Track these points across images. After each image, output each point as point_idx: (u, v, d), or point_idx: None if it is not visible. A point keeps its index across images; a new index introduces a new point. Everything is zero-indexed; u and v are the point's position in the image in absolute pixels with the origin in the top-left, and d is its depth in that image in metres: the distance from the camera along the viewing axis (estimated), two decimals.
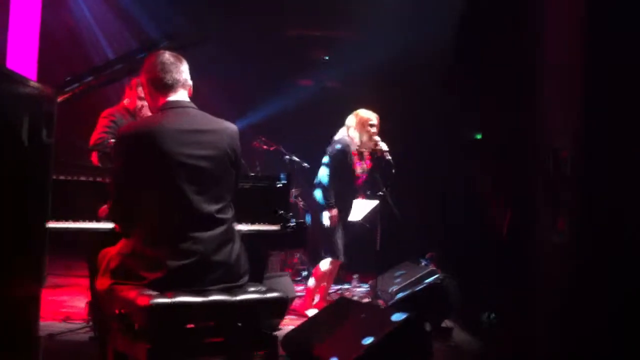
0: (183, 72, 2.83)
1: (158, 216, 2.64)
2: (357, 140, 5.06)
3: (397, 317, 3.29)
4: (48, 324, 4.23)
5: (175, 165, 2.62)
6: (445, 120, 6.66)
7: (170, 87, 2.78)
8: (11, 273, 2.12)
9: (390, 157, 4.89)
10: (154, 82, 2.79)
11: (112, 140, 4.23)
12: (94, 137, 4.45)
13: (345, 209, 5.15)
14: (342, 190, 5.06)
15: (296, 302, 5.15)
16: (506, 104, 4.38)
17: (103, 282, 2.74)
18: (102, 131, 4.42)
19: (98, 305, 3.11)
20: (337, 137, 5.14)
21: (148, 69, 2.82)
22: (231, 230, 2.78)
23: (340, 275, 6.12)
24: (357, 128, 5.06)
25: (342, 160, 5.00)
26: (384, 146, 4.93)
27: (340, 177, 5.02)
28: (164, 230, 2.63)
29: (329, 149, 5.09)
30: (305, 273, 6.65)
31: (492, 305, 4.46)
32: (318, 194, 5.05)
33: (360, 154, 5.12)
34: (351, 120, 5.11)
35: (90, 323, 4.09)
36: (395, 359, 3.23)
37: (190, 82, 2.86)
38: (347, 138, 5.06)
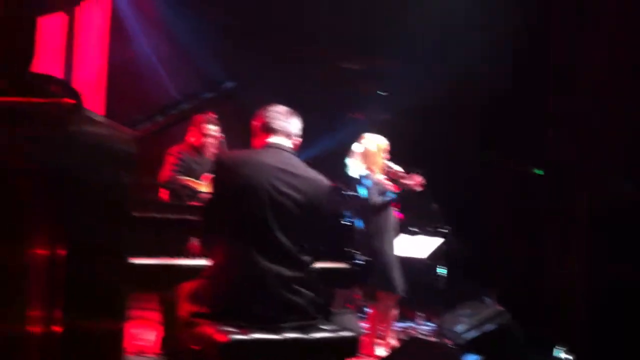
0: (292, 124, 2.99)
1: (240, 246, 2.71)
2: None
3: (469, 359, 3.22)
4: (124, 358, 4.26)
5: (264, 197, 2.71)
6: (499, 151, 6.58)
7: (275, 131, 2.93)
8: (98, 310, 2.16)
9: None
10: (262, 126, 2.96)
11: (181, 177, 4.34)
12: (163, 175, 4.56)
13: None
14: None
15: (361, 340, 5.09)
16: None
17: (183, 308, 2.80)
18: (171, 169, 4.54)
19: (174, 340, 3.14)
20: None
21: (260, 115, 2.99)
22: (309, 272, 2.82)
23: (404, 312, 6.02)
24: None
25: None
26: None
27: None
28: (245, 259, 2.69)
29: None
30: (367, 310, 6.57)
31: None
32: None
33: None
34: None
35: (163, 357, 4.12)
36: None
37: (296, 138, 3.00)
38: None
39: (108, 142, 2.21)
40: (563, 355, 4.25)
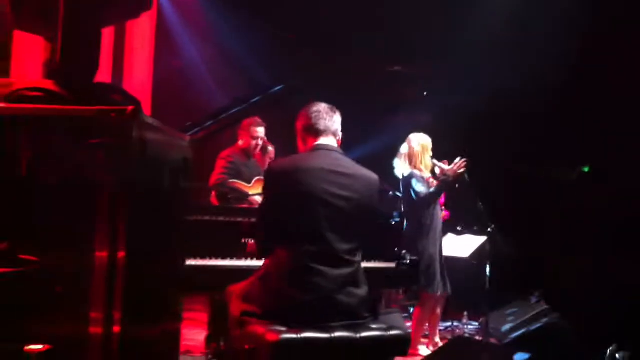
0: (335, 122, 3.02)
1: (292, 246, 2.76)
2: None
3: (520, 357, 3.22)
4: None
5: (316, 200, 2.76)
6: (545, 151, 6.54)
7: (321, 132, 2.96)
8: (155, 311, 2.24)
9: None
10: (307, 128, 2.99)
11: (232, 181, 4.46)
12: (213, 178, 4.71)
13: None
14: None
15: None
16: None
17: (235, 307, 2.87)
18: (221, 172, 4.68)
19: (222, 339, 3.23)
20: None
21: (302, 116, 3.03)
22: (358, 273, 2.86)
23: (451, 312, 6.03)
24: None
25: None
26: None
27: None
28: (295, 260, 2.74)
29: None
30: (412, 310, 6.59)
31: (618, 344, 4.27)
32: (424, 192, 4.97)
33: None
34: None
35: (210, 356, 4.22)
36: None
37: (340, 133, 3.04)
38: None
39: (166, 147, 2.29)
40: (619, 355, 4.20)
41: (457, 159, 4.90)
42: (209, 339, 4.21)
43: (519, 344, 4.20)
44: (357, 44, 7.38)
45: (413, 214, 4.96)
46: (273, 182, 2.89)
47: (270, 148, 5.05)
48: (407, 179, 5.03)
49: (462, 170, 4.85)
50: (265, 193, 2.98)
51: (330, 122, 2.99)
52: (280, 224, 2.82)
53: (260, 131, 4.81)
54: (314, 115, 2.98)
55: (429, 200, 4.93)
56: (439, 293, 4.97)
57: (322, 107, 3.02)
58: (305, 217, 2.77)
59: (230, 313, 2.94)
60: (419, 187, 4.94)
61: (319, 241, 2.75)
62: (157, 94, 6.26)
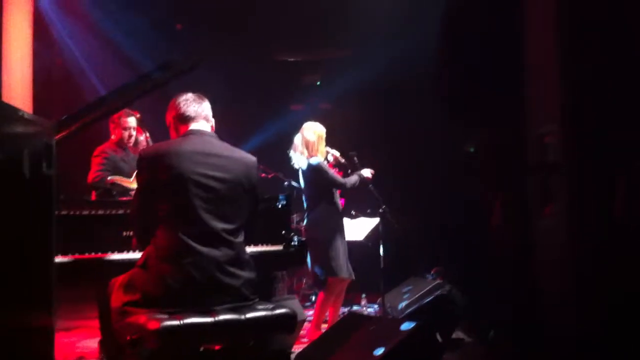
0: (205, 107, 3.01)
1: (170, 231, 2.73)
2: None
3: (406, 326, 3.30)
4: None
5: (188, 181, 2.73)
6: (437, 130, 6.72)
7: (192, 118, 2.96)
8: (21, 304, 2.13)
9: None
10: (178, 117, 2.98)
11: (111, 177, 4.29)
12: (91, 176, 4.53)
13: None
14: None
15: (306, 326, 5.14)
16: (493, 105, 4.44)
17: (116, 298, 2.80)
18: (97, 169, 4.51)
19: (111, 334, 3.12)
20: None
21: (172, 107, 3.01)
22: (240, 253, 2.84)
23: (349, 297, 6.10)
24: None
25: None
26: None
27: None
28: (174, 245, 2.70)
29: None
30: (314, 298, 6.63)
31: (495, 319, 4.46)
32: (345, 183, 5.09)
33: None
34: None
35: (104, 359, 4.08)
36: None
37: (212, 119, 3.03)
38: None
39: (25, 132, 2.18)
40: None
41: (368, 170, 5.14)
42: (102, 343, 4.08)
43: (411, 318, 4.30)
44: (251, 30, 7.33)
45: (320, 205, 5.02)
46: (145, 168, 2.84)
47: (141, 138, 4.76)
48: (317, 171, 5.02)
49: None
50: (138, 180, 2.92)
51: (200, 108, 2.98)
52: (155, 210, 2.78)
53: (131, 121, 4.63)
54: (182, 103, 2.98)
55: (349, 189, 5.03)
56: (346, 277, 5.02)
57: (189, 95, 3.02)
58: (178, 199, 2.74)
59: (111, 306, 2.86)
60: (338, 178, 5.03)
61: (196, 222, 2.72)
62: (40, 90, 6.00)
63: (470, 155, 6.24)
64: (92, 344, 4.86)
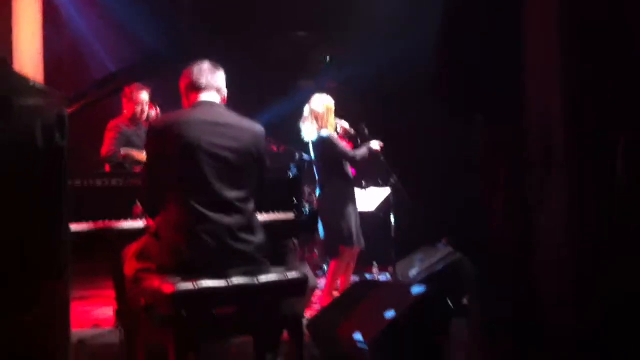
0: (218, 78, 3.02)
1: (181, 200, 2.76)
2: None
3: (416, 290, 3.35)
4: (78, 332, 4.30)
5: (200, 151, 2.75)
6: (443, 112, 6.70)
7: (203, 88, 2.97)
8: (36, 272, 2.18)
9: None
10: (190, 85, 2.99)
11: (122, 151, 4.36)
12: (104, 150, 4.60)
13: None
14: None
15: (318, 295, 5.21)
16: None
17: (129, 267, 2.86)
18: (110, 143, 4.57)
19: (125, 299, 3.20)
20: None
21: (186, 74, 3.02)
22: (252, 220, 2.88)
23: (360, 267, 6.16)
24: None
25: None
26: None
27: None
28: (186, 214, 2.74)
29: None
30: (325, 267, 6.70)
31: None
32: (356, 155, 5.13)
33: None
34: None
35: (120, 328, 4.17)
36: (417, 331, 3.29)
37: (224, 90, 3.04)
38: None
39: (38, 102, 2.22)
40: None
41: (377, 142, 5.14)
42: (117, 312, 4.17)
43: (422, 284, 4.35)
44: (260, 7, 7.32)
45: (332, 176, 5.06)
46: (155, 138, 2.87)
47: (152, 113, 4.82)
48: (327, 143, 5.05)
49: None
50: (148, 151, 2.95)
51: (213, 79, 2.99)
52: (166, 180, 2.81)
53: (143, 96, 4.69)
54: (196, 72, 2.99)
55: (359, 161, 5.07)
56: (357, 246, 5.07)
57: (205, 64, 3.02)
58: (189, 168, 2.77)
59: (125, 274, 2.92)
60: (348, 151, 5.05)
61: (207, 191, 2.76)
62: (50, 72, 6.05)
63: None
64: (108, 312, 4.96)
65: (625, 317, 2.52)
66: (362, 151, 5.12)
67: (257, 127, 2.99)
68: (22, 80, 2.27)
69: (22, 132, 2.13)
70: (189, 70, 3.02)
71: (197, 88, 2.97)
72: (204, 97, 2.96)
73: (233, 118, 2.95)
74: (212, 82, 2.98)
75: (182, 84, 3.04)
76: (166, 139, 2.81)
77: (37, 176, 2.23)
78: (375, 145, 5.18)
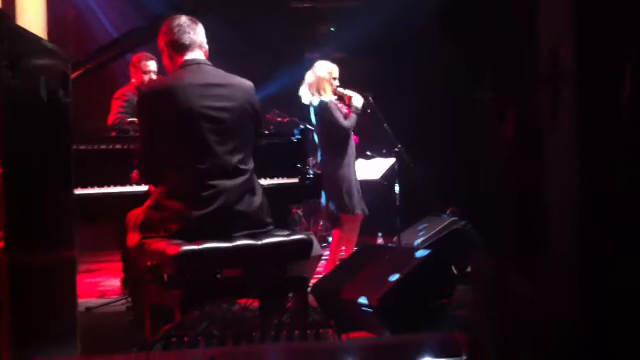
0: (199, 34, 2.94)
1: (182, 167, 2.74)
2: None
3: (421, 253, 3.36)
4: (85, 301, 4.33)
5: (198, 116, 2.72)
6: (450, 75, 6.64)
7: (187, 47, 2.89)
8: (41, 235, 2.18)
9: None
10: (172, 44, 2.90)
11: (129, 120, 4.36)
12: (111, 118, 4.61)
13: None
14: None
15: (323, 265, 5.22)
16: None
17: (133, 238, 2.84)
18: (118, 112, 4.59)
19: (130, 265, 3.21)
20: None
21: (166, 32, 2.93)
22: (253, 180, 2.86)
23: (366, 237, 6.15)
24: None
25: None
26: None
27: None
28: (188, 180, 2.72)
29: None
30: (330, 239, 6.70)
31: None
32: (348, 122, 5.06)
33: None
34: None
35: (127, 297, 4.19)
36: (421, 294, 3.29)
37: (206, 45, 2.97)
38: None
39: (43, 60, 2.21)
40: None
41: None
42: (125, 281, 4.20)
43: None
44: None
45: (332, 142, 5.03)
46: (147, 106, 2.82)
47: None
48: (324, 110, 5.01)
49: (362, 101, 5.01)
50: (141, 119, 2.90)
51: (195, 35, 2.92)
52: (165, 149, 2.77)
53: (151, 65, 4.67)
54: (177, 29, 2.89)
55: (350, 131, 5.01)
56: (358, 213, 5.05)
57: (184, 20, 2.93)
58: (190, 135, 2.73)
59: (128, 244, 2.91)
60: (342, 120, 4.98)
61: (209, 157, 2.73)
62: (54, 41, 6.02)
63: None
64: (115, 282, 5.01)
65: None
66: (351, 118, 5.04)
67: (248, 83, 2.94)
68: (29, 35, 2.25)
69: (28, 86, 2.12)
70: (167, 27, 2.91)
71: (181, 47, 2.88)
72: (190, 56, 2.88)
73: (223, 76, 2.90)
74: (195, 39, 2.90)
75: (162, 42, 2.94)
76: (160, 107, 2.76)
77: (42, 129, 2.22)
78: (358, 102, 5.05)
